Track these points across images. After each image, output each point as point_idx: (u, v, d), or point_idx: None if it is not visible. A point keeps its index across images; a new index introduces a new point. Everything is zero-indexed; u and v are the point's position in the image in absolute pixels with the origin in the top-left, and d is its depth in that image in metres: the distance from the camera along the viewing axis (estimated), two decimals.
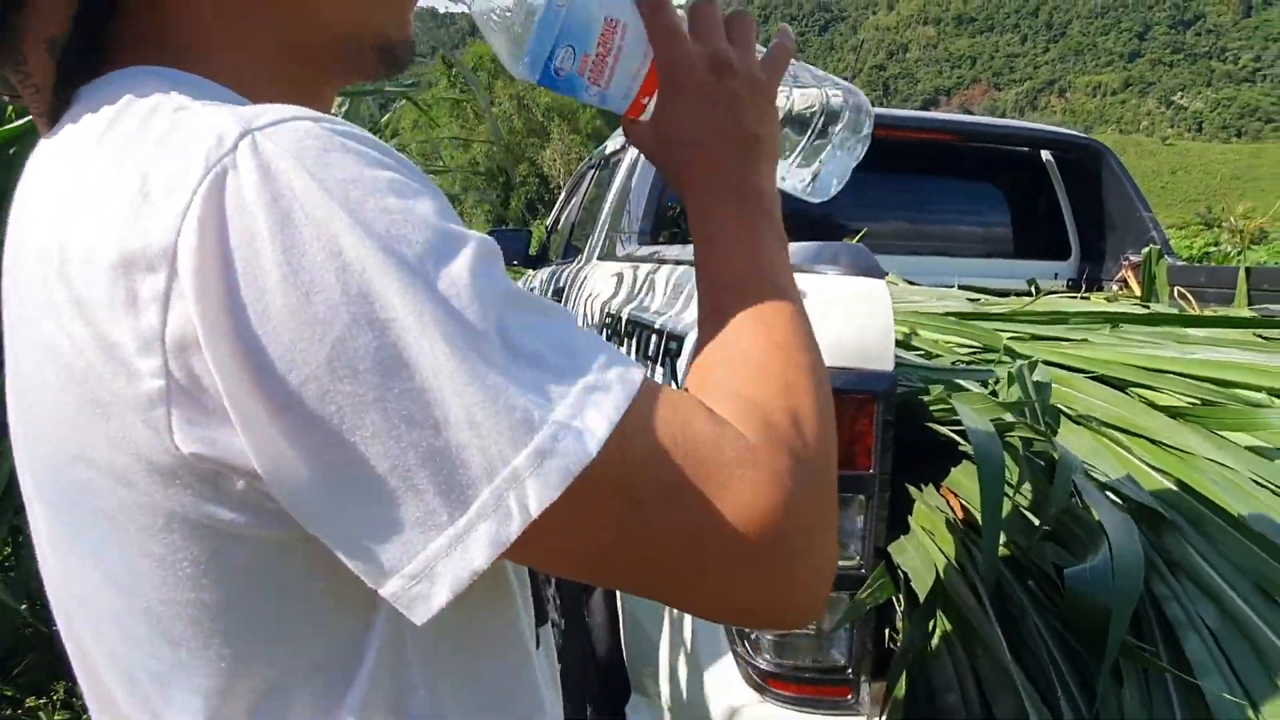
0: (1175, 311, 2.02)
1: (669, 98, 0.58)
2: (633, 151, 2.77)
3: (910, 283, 2.56)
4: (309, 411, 0.37)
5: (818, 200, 0.74)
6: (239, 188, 0.37)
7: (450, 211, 0.42)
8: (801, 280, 1.18)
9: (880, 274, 1.13)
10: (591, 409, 0.39)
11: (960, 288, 2.54)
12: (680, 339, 1.38)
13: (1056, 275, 3.01)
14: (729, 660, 1.23)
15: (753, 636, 1.19)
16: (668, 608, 1.44)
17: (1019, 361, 1.34)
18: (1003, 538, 0.97)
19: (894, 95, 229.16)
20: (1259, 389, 1.22)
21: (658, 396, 0.42)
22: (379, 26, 0.52)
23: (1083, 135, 3.01)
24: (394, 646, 0.45)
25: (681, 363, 1.37)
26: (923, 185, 3.11)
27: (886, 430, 1.09)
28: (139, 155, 0.40)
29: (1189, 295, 2.41)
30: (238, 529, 0.41)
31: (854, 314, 1.10)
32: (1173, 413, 1.18)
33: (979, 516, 0.97)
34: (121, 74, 0.45)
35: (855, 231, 2.86)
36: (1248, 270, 2.35)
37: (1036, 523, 0.96)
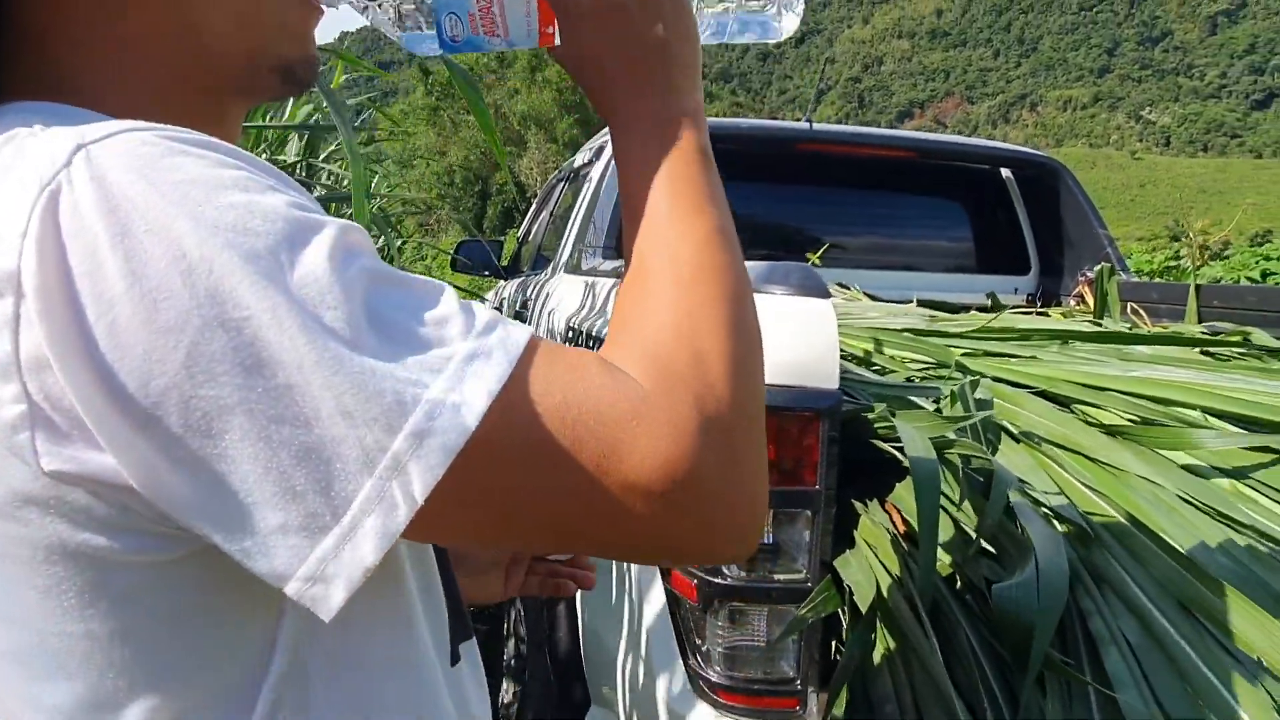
0: (1124, 328, 2.07)
1: (563, 25, 0.55)
2: (600, 164, 2.79)
3: (873, 297, 2.60)
4: (174, 422, 0.36)
5: (780, 38, 0.70)
6: (74, 203, 0.37)
7: (309, 204, 0.41)
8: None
9: (826, 294, 1.16)
10: (471, 380, 0.39)
11: (920, 303, 2.58)
12: None
13: (1016, 290, 3.06)
14: (682, 673, 1.25)
15: (704, 649, 1.21)
16: (625, 621, 1.45)
17: (966, 378, 1.37)
18: (941, 552, 0.99)
19: (869, 107, 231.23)
20: (1194, 407, 1.26)
21: (545, 356, 0.41)
22: (275, 48, 0.52)
23: (1041, 154, 3.06)
24: (295, 672, 0.45)
25: None
26: (887, 201, 3.15)
27: (832, 447, 1.11)
28: None
29: (1141, 311, 2.47)
30: (117, 555, 0.40)
31: (800, 334, 1.13)
32: (1112, 430, 1.22)
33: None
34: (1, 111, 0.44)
35: (819, 246, 2.90)
36: (1198, 287, 2.41)
37: (974, 537, 0.99)
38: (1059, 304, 2.94)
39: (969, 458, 1.04)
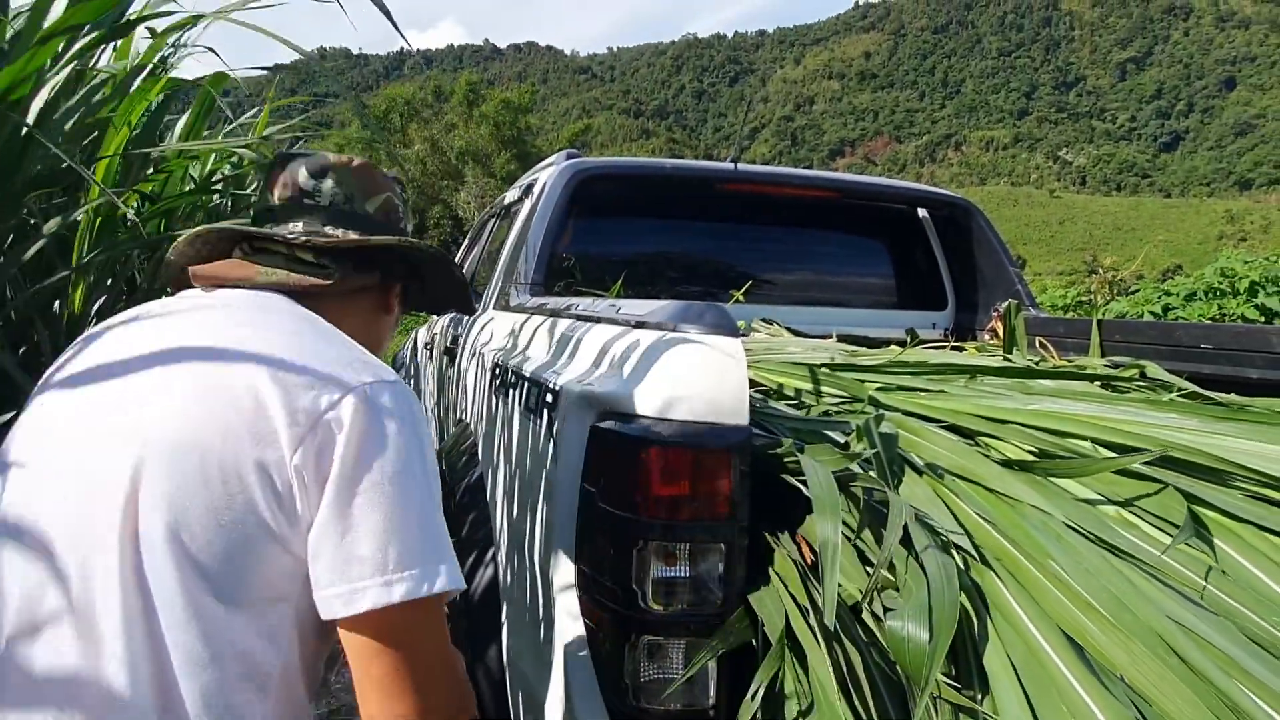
0: (1032, 362, 2.16)
1: None
2: (529, 201, 2.82)
3: (796, 332, 2.66)
4: (363, 501, 0.87)
5: None
6: (376, 398, 0.91)
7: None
8: (665, 339, 1.23)
9: (736, 333, 1.19)
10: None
11: (840, 338, 2.66)
12: (556, 392, 1.42)
13: (935, 325, 3.17)
14: (601, 706, 1.25)
15: (624, 683, 1.22)
16: (547, 656, 1.45)
17: (875, 413, 1.42)
18: (845, 581, 1.03)
19: (802, 145, 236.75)
20: (1085, 439, 1.32)
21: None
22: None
23: (955, 194, 3.19)
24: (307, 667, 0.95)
25: (559, 414, 1.41)
26: (811, 238, 3.24)
27: (743, 481, 1.15)
28: (336, 345, 0.98)
29: (1049, 345, 2.58)
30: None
31: (711, 372, 1.16)
32: (1010, 462, 1.28)
33: None
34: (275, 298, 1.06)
35: (745, 282, 2.96)
36: (1100, 322, 2.53)
37: (874, 567, 1.02)
38: (974, 338, 3.05)
39: (871, 489, 1.08)
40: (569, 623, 1.34)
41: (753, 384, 1.92)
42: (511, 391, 1.79)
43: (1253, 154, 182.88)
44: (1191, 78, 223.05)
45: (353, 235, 1.15)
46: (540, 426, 1.51)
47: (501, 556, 1.76)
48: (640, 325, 1.35)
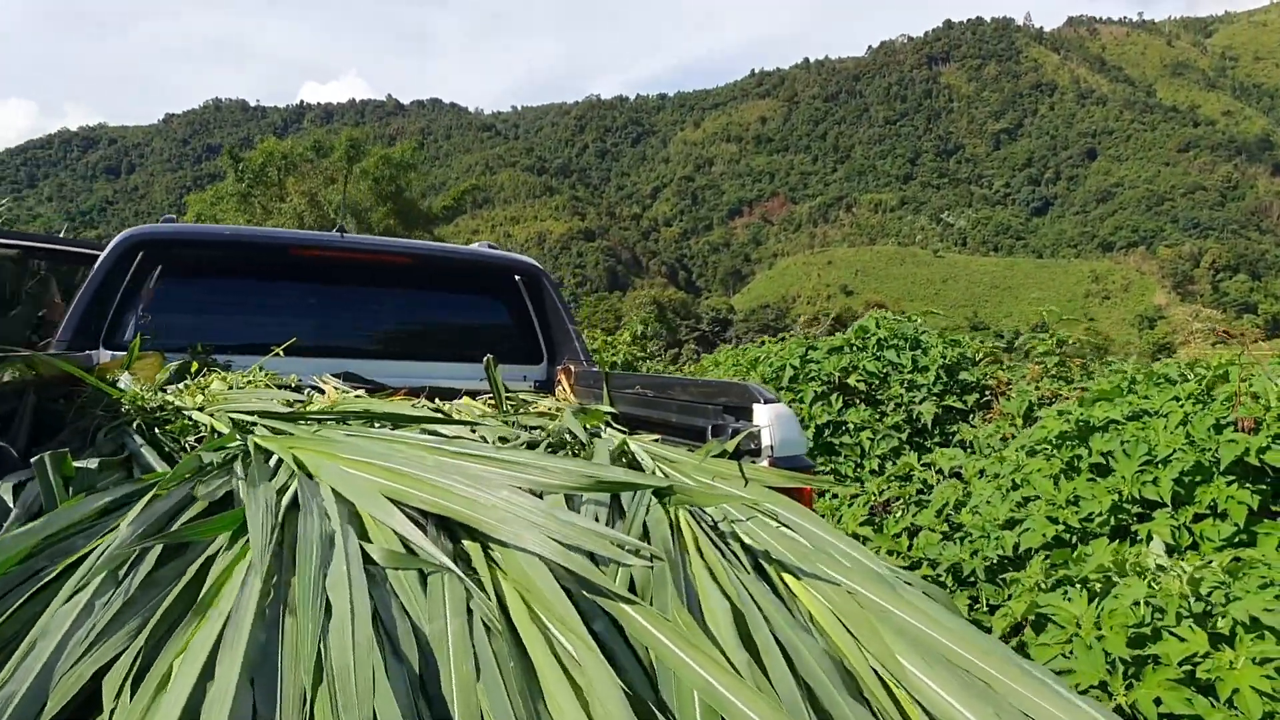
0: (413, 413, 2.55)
1: None
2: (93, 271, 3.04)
3: (364, 384, 3.01)
4: None
5: None
6: None
7: None
8: None
9: None
10: None
11: (429, 390, 3.00)
12: None
13: (526, 377, 3.57)
14: None
15: None
16: None
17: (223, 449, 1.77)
18: None
19: (702, 204, 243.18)
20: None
21: None
22: None
23: (528, 260, 3.60)
24: None
25: None
26: (421, 300, 3.60)
27: None
28: None
29: (572, 395, 3.00)
30: None
31: None
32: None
33: None
34: None
35: (347, 341, 3.30)
36: (607, 375, 2.98)
37: None
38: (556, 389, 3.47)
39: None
40: None
41: (200, 426, 2.25)
42: None
43: (1113, 219, 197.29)
44: (1058, 148, 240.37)
45: None
46: None
47: None
48: None
